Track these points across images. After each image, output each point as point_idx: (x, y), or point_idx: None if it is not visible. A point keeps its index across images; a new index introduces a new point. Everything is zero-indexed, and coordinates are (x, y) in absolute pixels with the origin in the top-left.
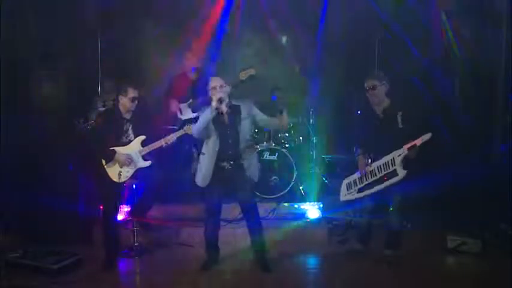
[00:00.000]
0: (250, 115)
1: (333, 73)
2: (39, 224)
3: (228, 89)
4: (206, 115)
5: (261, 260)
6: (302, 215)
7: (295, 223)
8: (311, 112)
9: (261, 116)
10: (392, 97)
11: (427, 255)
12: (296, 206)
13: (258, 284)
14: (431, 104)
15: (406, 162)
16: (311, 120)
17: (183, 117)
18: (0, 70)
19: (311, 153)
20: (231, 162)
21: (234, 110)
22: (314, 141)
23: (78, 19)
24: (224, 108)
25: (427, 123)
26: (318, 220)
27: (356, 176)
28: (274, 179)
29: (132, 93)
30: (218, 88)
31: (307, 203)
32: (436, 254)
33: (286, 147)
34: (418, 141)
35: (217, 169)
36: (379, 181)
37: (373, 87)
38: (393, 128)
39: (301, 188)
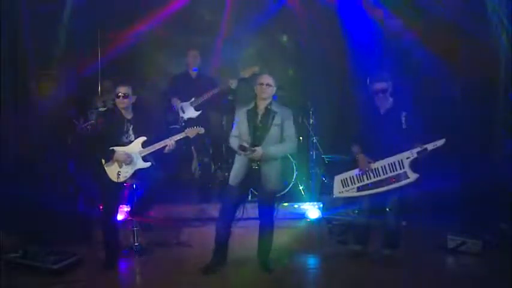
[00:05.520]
0: (282, 124)
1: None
2: (39, 224)
3: (273, 89)
4: (234, 145)
5: (262, 260)
6: (302, 215)
7: (295, 223)
8: (311, 112)
9: (288, 133)
10: (396, 97)
11: (427, 255)
12: (296, 206)
13: (258, 284)
14: (434, 105)
15: (415, 165)
16: (311, 120)
17: (185, 116)
18: (0, 70)
19: (311, 153)
20: (260, 163)
21: (270, 114)
22: (314, 141)
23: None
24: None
25: (430, 125)
26: (318, 220)
27: (353, 173)
28: None
29: (118, 89)
30: (265, 86)
31: (307, 203)
32: (436, 254)
33: None
34: (429, 146)
35: (248, 169)
36: (386, 182)
37: (384, 91)
38: (397, 128)
39: (301, 188)
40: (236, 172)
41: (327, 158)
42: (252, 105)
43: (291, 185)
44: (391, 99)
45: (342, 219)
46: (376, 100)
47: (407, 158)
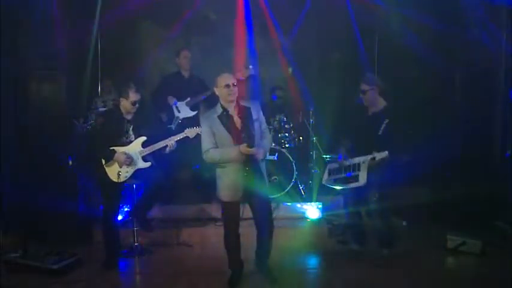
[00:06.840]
0: (259, 119)
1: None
2: (39, 224)
3: (236, 89)
4: (232, 153)
5: (262, 260)
6: (302, 215)
7: (295, 223)
8: (311, 112)
9: (265, 126)
10: (388, 103)
11: (427, 255)
12: (296, 205)
13: (257, 284)
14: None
15: (369, 171)
16: (311, 120)
17: (181, 115)
18: (0, 70)
19: (311, 153)
20: (251, 167)
21: (245, 112)
22: (314, 141)
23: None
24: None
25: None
26: (318, 220)
27: (333, 165)
28: (274, 179)
29: (133, 97)
30: (232, 87)
31: (307, 203)
32: (436, 254)
33: (286, 147)
34: (377, 155)
35: (244, 178)
36: (348, 180)
37: (364, 92)
38: (373, 132)
39: (301, 188)
40: (232, 186)
41: (327, 158)
42: (219, 110)
43: (291, 185)
44: (380, 104)
45: (342, 219)
46: (363, 100)
47: (363, 162)
